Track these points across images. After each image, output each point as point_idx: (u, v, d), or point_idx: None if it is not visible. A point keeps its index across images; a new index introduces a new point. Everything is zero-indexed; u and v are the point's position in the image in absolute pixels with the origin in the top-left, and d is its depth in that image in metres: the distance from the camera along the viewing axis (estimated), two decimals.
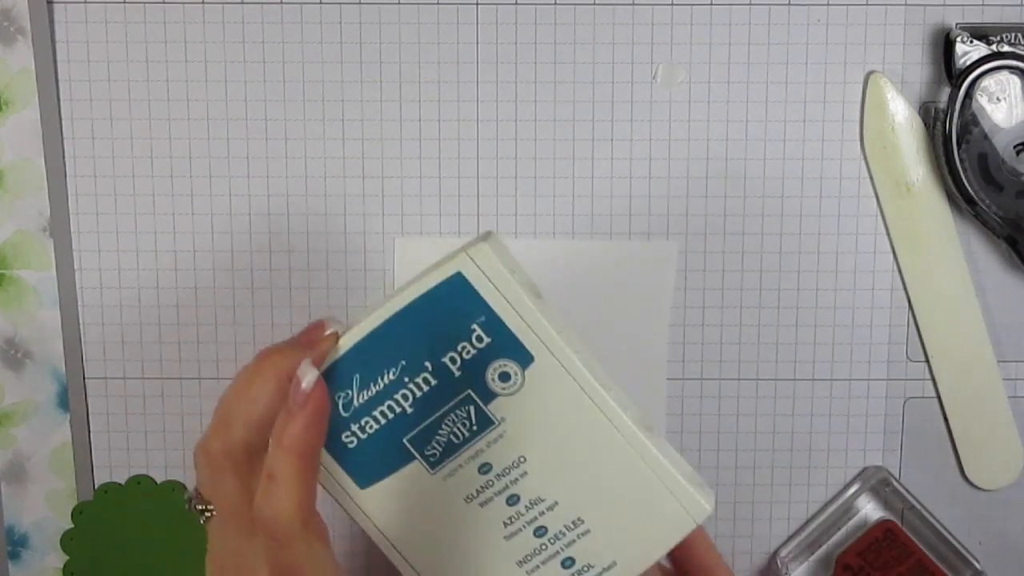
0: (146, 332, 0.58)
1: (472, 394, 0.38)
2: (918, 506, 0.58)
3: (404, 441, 0.39)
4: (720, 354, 0.58)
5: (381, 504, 0.39)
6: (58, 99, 0.56)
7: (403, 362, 0.38)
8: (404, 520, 0.40)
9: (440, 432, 0.39)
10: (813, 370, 0.58)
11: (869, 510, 0.59)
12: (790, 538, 0.59)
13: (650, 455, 0.38)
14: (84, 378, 0.58)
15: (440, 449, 0.39)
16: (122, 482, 0.59)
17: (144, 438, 0.59)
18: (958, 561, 0.58)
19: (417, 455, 0.39)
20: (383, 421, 0.39)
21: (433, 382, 0.38)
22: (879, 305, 0.57)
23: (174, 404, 0.59)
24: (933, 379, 0.58)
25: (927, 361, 0.58)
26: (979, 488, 0.59)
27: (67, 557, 0.60)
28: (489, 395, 0.38)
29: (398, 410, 0.39)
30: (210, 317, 0.58)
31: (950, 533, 0.58)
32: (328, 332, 0.39)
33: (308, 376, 0.37)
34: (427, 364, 0.38)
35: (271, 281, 0.57)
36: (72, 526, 0.59)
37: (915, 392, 0.58)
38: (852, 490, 0.59)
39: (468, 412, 0.38)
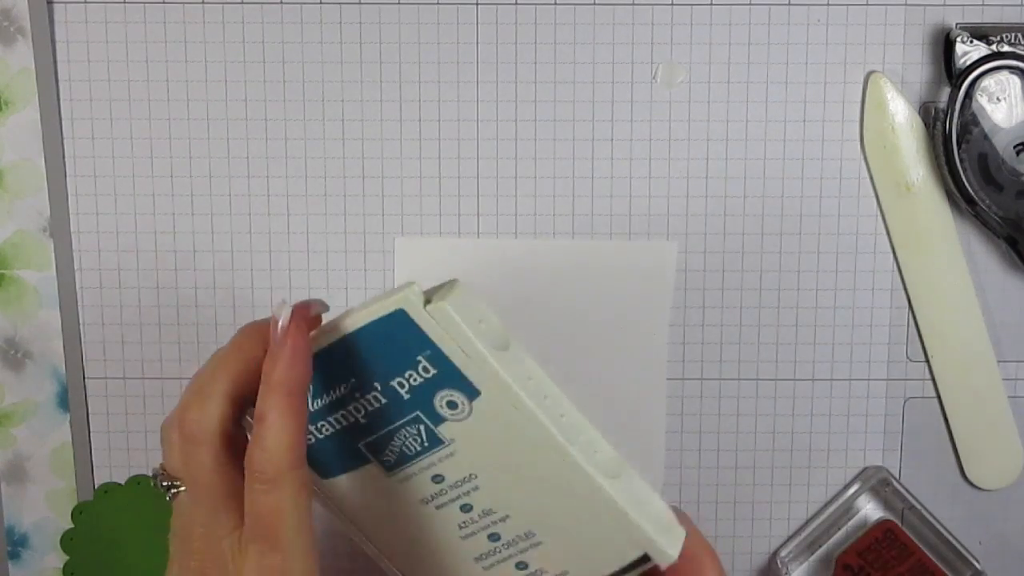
0: (146, 332, 0.58)
1: (421, 415, 0.38)
2: (918, 506, 0.58)
3: (359, 446, 0.39)
4: (720, 354, 0.58)
5: (343, 494, 0.40)
6: (58, 99, 0.56)
7: (353, 380, 0.38)
8: (365, 510, 0.40)
9: (393, 443, 0.39)
10: (813, 370, 0.58)
11: (869, 510, 0.59)
12: (790, 538, 0.60)
13: (609, 504, 0.38)
14: (84, 378, 0.58)
15: (394, 457, 0.39)
16: (122, 482, 0.59)
17: (144, 438, 0.59)
18: (958, 561, 0.58)
19: (372, 458, 0.39)
20: (338, 427, 0.39)
21: (383, 400, 0.38)
22: (879, 305, 0.57)
23: (174, 404, 0.58)
24: (933, 379, 0.58)
25: (927, 361, 0.58)
26: (979, 488, 0.59)
27: (67, 557, 0.60)
28: (438, 418, 0.38)
29: (351, 420, 0.39)
30: (210, 317, 0.58)
31: (950, 533, 0.58)
32: (312, 311, 0.39)
33: (284, 312, 0.37)
34: (376, 385, 0.38)
35: (271, 281, 0.57)
36: (72, 526, 0.59)
37: (915, 392, 0.58)
38: (852, 490, 0.59)
39: (418, 430, 0.39)
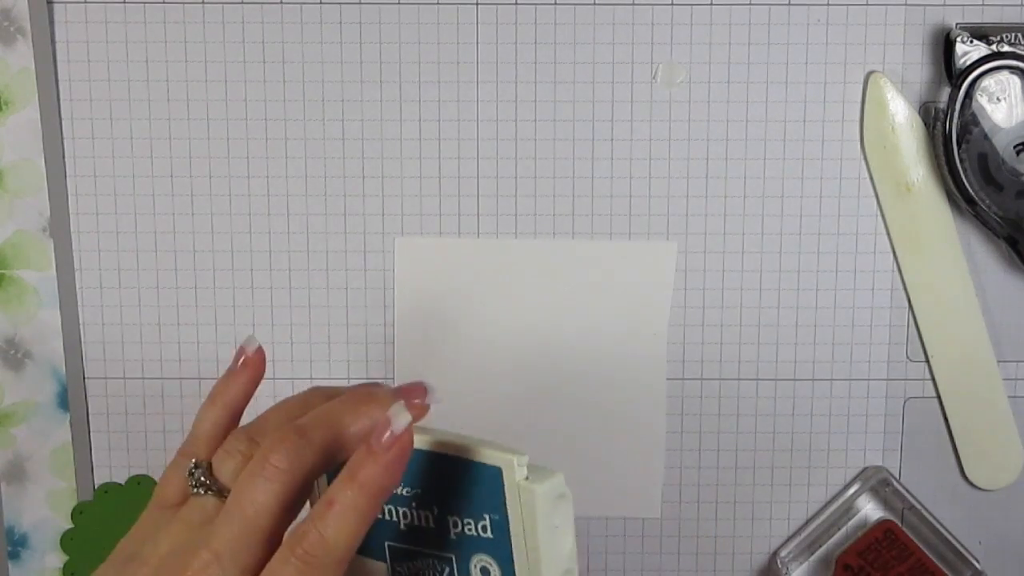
0: (146, 332, 0.58)
1: (455, 560, 0.38)
2: (918, 506, 0.58)
3: (385, 543, 0.39)
4: (720, 354, 0.58)
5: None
6: (58, 99, 0.56)
7: (419, 490, 0.38)
8: None
9: (415, 563, 0.39)
10: (813, 370, 0.58)
11: (869, 510, 0.59)
12: (790, 538, 0.60)
13: None
14: (84, 378, 0.58)
15: (405, 573, 0.39)
16: (122, 482, 0.59)
17: (144, 438, 0.59)
18: (958, 561, 0.58)
19: (388, 562, 0.40)
20: (380, 514, 0.38)
21: (432, 525, 0.38)
22: (879, 305, 0.57)
23: (174, 404, 0.58)
24: (933, 379, 0.58)
25: (927, 361, 0.58)
26: (979, 488, 0.59)
27: (67, 557, 0.60)
28: (466, 573, 0.38)
29: (394, 518, 0.39)
30: (210, 317, 0.58)
31: (950, 533, 0.58)
32: (427, 400, 0.39)
33: (400, 419, 0.36)
34: (435, 508, 0.38)
35: (271, 281, 0.57)
36: (72, 526, 0.59)
37: (915, 392, 0.58)
38: (852, 490, 0.59)
39: (443, 570, 0.39)
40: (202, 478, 0.39)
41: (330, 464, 0.38)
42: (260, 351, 0.45)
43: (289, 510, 0.37)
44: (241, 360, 0.44)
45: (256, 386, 0.45)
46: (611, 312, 0.57)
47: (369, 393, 0.39)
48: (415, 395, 0.39)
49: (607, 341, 0.57)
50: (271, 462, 0.36)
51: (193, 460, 0.41)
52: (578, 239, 0.57)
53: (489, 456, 0.36)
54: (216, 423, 0.44)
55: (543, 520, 0.36)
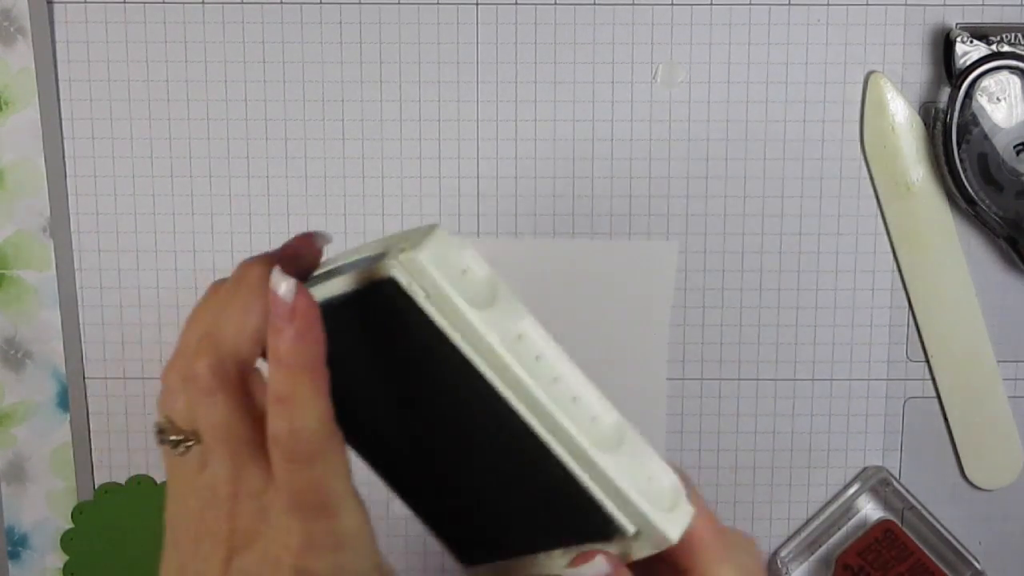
0: (146, 332, 0.58)
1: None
2: (918, 506, 0.58)
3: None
4: (720, 354, 0.58)
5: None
6: (58, 99, 0.56)
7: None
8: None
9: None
10: (813, 370, 0.58)
11: (869, 510, 0.59)
12: (790, 538, 0.59)
13: (602, 479, 0.34)
14: (84, 378, 0.58)
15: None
16: (122, 482, 0.59)
17: (144, 438, 0.59)
18: (958, 561, 0.58)
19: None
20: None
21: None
22: (879, 305, 0.57)
23: None
24: (933, 379, 0.58)
25: (927, 361, 0.58)
26: (979, 488, 0.59)
27: (67, 557, 0.60)
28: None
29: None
30: None
31: (950, 533, 0.58)
32: (316, 244, 0.36)
33: (284, 285, 0.33)
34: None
35: None
36: (72, 526, 0.59)
37: (915, 392, 0.58)
38: (852, 490, 0.59)
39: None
40: (172, 436, 0.36)
41: (250, 360, 0.35)
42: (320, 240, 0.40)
43: (254, 410, 0.35)
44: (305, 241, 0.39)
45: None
46: (612, 312, 0.57)
47: (238, 281, 0.35)
48: (300, 247, 0.37)
49: (607, 341, 0.57)
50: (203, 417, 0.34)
51: (156, 425, 0.37)
52: (578, 239, 0.57)
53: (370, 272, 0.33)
54: (247, 317, 0.37)
55: (446, 276, 0.32)
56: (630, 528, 0.35)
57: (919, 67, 0.56)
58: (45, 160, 0.56)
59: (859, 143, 0.56)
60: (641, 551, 0.36)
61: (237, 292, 0.34)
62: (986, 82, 0.54)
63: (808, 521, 0.59)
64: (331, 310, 0.34)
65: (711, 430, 0.58)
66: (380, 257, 0.34)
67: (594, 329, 0.57)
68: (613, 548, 0.36)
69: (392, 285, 0.33)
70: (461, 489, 0.38)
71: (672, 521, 0.36)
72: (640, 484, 0.35)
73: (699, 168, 0.56)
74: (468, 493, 0.38)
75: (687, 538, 0.36)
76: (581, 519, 0.36)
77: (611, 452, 0.35)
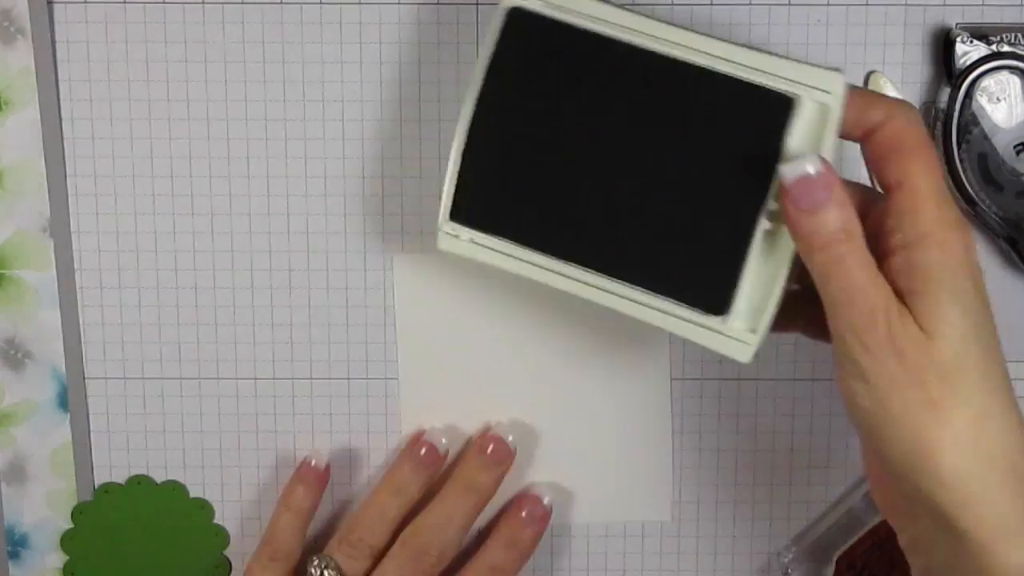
0: (146, 332, 0.58)
1: None
2: None
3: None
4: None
5: None
6: (58, 99, 0.56)
7: None
8: None
9: None
10: (813, 370, 0.58)
11: (872, 510, 0.59)
12: (791, 539, 0.59)
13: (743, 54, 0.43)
14: (84, 378, 0.58)
15: None
16: (122, 482, 0.59)
17: (144, 438, 0.59)
18: None
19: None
20: None
21: None
22: None
23: (174, 404, 0.59)
24: None
25: None
26: None
27: (67, 557, 0.60)
28: None
29: None
30: (210, 317, 0.58)
31: None
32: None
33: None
34: None
35: (271, 281, 0.57)
36: (72, 526, 0.59)
37: None
38: (853, 490, 0.59)
39: None
40: (333, 572, 0.55)
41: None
42: (328, 468, 0.57)
43: None
44: (311, 472, 0.57)
45: (321, 494, 0.57)
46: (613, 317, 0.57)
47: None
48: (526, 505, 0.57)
49: (610, 345, 0.57)
50: None
51: (316, 558, 0.55)
52: None
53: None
54: (293, 528, 0.56)
55: None
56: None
57: (919, 67, 0.56)
58: (45, 160, 0.56)
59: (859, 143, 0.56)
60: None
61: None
62: (986, 82, 0.54)
63: (808, 521, 0.59)
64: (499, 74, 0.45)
65: (711, 430, 0.58)
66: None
67: (596, 329, 0.57)
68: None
69: (518, 13, 0.44)
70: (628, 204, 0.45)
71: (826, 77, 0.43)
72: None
73: None
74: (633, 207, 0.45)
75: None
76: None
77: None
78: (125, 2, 0.55)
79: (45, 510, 0.59)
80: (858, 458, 0.59)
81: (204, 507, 0.59)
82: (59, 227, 0.57)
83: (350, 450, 0.59)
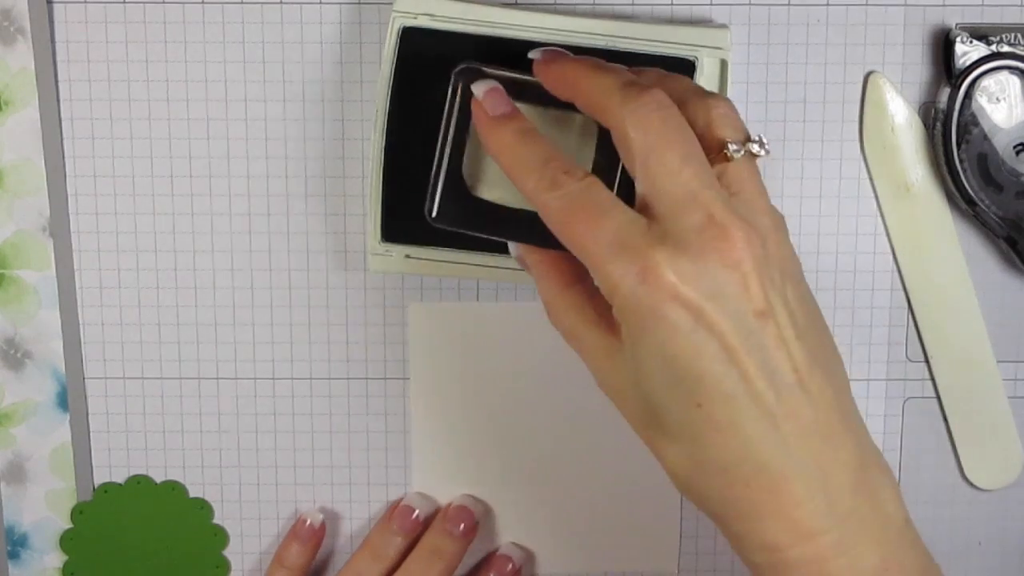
0: (146, 332, 0.58)
1: None
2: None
3: None
4: None
5: None
6: (58, 99, 0.56)
7: None
8: None
9: None
10: None
11: None
12: None
13: None
14: (84, 378, 0.58)
15: None
16: (121, 482, 0.59)
17: (144, 438, 0.59)
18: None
19: None
20: None
21: None
22: (879, 305, 0.57)
23: (174, 404, 0.59)
24: (933, 379, 0.58)
25: (927, 361, 0.58)
26: (979, 488, 0.59)
27: (67, 557, 0.60)
28: None
29: None
30: (210, 317, 0.58)
31: None
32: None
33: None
34: None
35: (271, 281, 0.57)
36: (72, 526, 0.59)
37: (915, 392, 0.58)
38: None
39: None
40: None
41: None
42: (323, 525, 0.58)
43: None
44: (307, 530, 0.58)
45: (316, 552, 0.58)
46: None
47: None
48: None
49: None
50: None
51: None
52: None
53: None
54: None
55: None
56: None
57: (919, 67, 0.56)
58: (45, 160, 0.56)
59: (859, 143, 0.56)
60: None
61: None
62: (986, 82, 0.54)
63: None
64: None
65: None
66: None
67: None
68: None
69: (409, 31, 0.48)
70: None
71: None
72: None
73: None
74: None
75: None
76: None
77: None
78: (125, 2, 0.55)
79: (45, 510, 0.59)
80: None
81: (203, 507, 0.59)
82: (59, 227, 0.57)
83: (349, 450, 0.59)
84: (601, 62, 0.44)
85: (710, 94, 0.43)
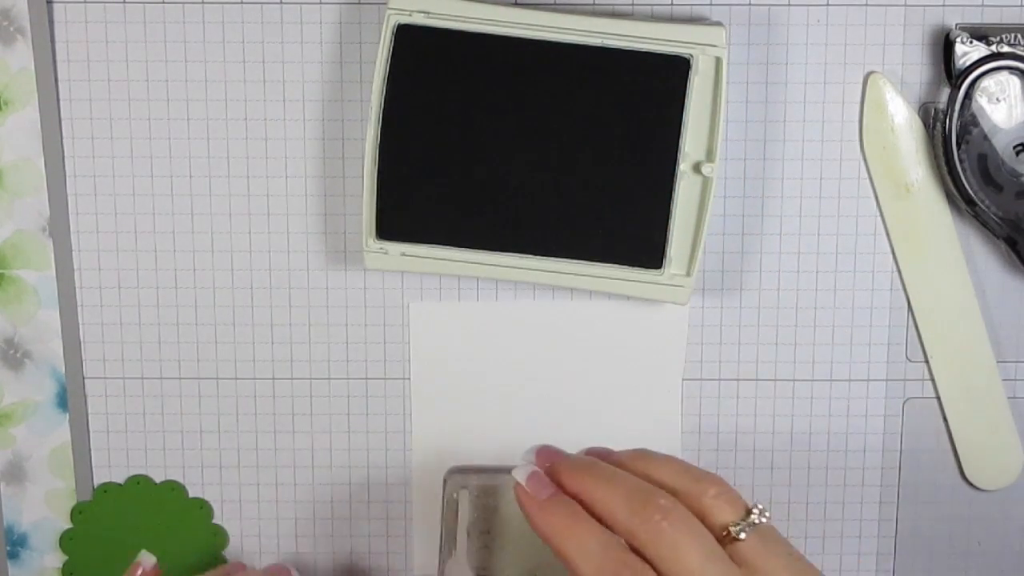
0: (146, 332, 0.58)
1: None
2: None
3: None
4: (719, 354, 0.58)
5: None
6: (58, 99, 0.56)
7: None
8: None
9: None
10: (813, 370, 0.58)
11: None
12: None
13: None
14: (84, 378, 0.58)
15: None
16: (122, 482, 0.59)
17: (144, 438, 0.59)
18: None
19: None
20: None
21: None
22: (879, 305, 0.57)
23: (174, 404, 0.59)
24: (933, 379, 0.58)
25: (927, 361, 0.58)
26: (979, 488, 0.59)
27: (66, 557, 0.60)
28: None
29: None
30: (210, 317, 0.58)
31: None
32: None
33: None
34: None
35: (271, 281, 0.57)
36: (72, 526, 0.59)
37: (915, 392, 0.58)
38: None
39: None
40: None
41: None
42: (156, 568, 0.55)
43: None
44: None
45: None
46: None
47: None
48: None
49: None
50: None
51: None
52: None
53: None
54: None
55: None
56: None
57: (918, 67, 0.56)
58: (45, 160, 0.56)
59: (858, 143, 0.56)
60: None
61: None
62: (986, 82, 0.54)
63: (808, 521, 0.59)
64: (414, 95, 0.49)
65: (711, 430, 0.58)
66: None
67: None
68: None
69: (405, 29, 0.48)
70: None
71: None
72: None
73: None
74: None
75: None
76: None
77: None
78: (125, 2, 0.55)
79: (44, 510, 0.59)
80: (858, 458, 0.59)
81: (203, 507, 0.59)
82: (59, 227, 0.57)
83: (349, 450, 0.59)
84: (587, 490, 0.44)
85: (699, 475, 0.44)
